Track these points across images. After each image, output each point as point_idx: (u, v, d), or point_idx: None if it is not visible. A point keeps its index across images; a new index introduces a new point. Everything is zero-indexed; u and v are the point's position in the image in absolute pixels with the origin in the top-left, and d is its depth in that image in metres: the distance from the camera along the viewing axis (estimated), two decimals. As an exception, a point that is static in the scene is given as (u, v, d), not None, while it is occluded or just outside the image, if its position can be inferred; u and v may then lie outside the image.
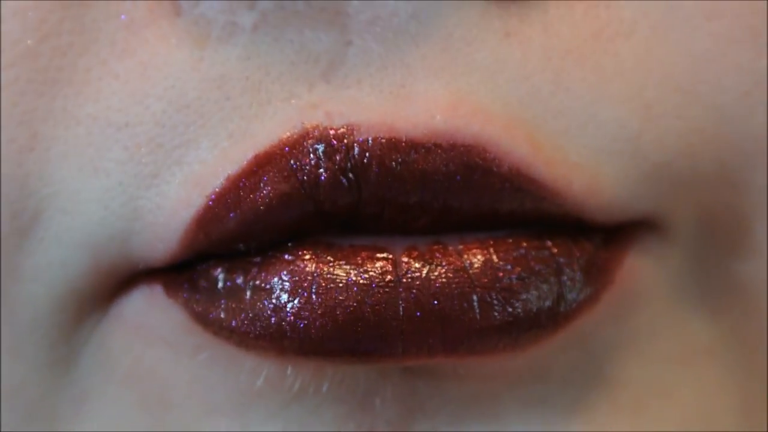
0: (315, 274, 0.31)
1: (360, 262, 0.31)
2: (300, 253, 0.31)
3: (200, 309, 0.32)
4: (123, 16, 0.31)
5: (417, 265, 0.31)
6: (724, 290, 0.34)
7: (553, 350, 0.32)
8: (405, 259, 0.31)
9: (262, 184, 0.31)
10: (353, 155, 0.31)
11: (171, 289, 0.32)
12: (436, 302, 0.31)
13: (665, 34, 0.32)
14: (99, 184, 0.31)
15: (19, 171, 0.31)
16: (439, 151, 0.31)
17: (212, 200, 0.31)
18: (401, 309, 0.31)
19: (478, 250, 0.31)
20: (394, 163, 0.31)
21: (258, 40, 0.31)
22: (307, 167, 0.31)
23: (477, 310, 0.31)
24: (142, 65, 0.31)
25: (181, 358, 0.33)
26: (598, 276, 0.32)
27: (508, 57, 0.31)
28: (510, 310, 0.31)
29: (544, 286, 0.31)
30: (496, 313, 0.31)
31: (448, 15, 0.31)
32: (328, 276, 0.31)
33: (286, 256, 0.31)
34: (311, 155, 0.31)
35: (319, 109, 0.31)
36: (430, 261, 0.31)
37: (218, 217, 0.31)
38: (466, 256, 0.31)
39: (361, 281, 0.31)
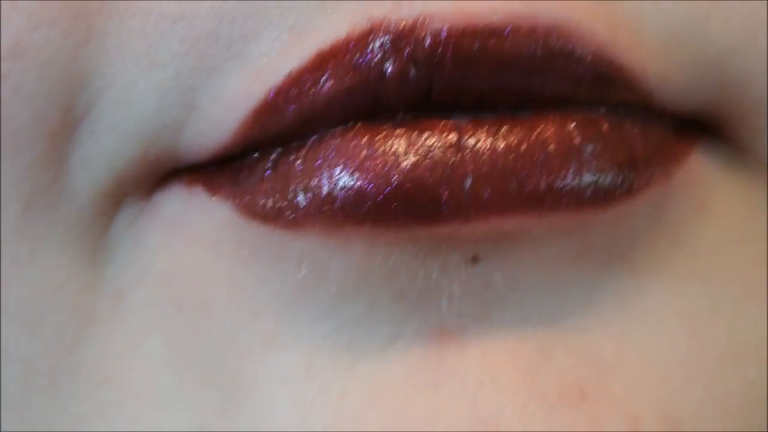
0: (370, 143, 0.30)
1: (419, 131, 0.30)
2: (352, 129, 0.30)
3: (247, 198, 0.31)
4: None
5: (484, 133, 0.30)
6: None
7: (630, 216, 0.31)
8: (471, 128, 0.30)
9: (324, 79, 0.30)
10: (425, 46, 0.29)
11: (212, 187, 0.32)
12: (505, 161, 0.30)
13: None
14: (155, 76, 0.31)
15: (74, 66, 0.31)
16: (519, 36, 0.30)
17: (273, 94, 0.30)
18: (465, 169, 0.30)
19: (552, 122, 0.30)
20: (471, 49, 0.29)
21: None
22: (374, 62, 0.30)
23: (555, 167, 0.30)
24: None
25: (220, 258, 0.32)
26: (669, 155, 0.31)
27: None
28: (588, 167, 0.30)
29: (618, 153, 0.30)
30: (572, 171, 0.30)
31: None
32: (383, 144, 0.30)
33: (337, 133, 0.30)
34: (377, 50, 0.30)
35: None
36: (499, 129, 0.30)
37: (277, 110, 0.30)
38: (540, 127, 0.30)
39: (420, 145, 0.30)
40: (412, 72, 0.30)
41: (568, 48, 0.30)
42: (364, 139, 0.30)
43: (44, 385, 0.33)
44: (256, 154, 0.31)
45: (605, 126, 0.31)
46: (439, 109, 0.30)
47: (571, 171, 0.30)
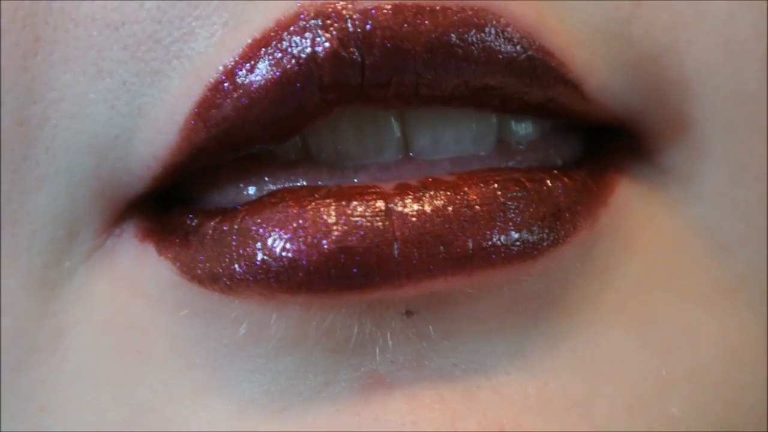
0: (301, 212, 0.30)
1: (348, 198, 0.31)
2: (285, 195, 0.31)
3: (188, 260, 0.32)
4: None
5: (410, 198, 0.31)
6: (729, 220, 0.33)
7: (560, 264, 0.32)
8: (397, 193, 0.31)
9: (257, 69, 0.30)
10: (355, 24, 0.30)
11: (161, 246, 0.32)
12: (432, 225, 0.30)
13: None
14: (103, 85, 0.31)
15: (25, 76, 0.31)
16: (449, 12, 0.30)
17: (210, 89, 0.31)
18: (394, 235, 0.30)
19: (475, 182, 0.31)
20: (401, 26, 0.30)
21: None
22: (303, 45, 0.30)
23: (481, 227, 0.30)
24: None
25: (162, 313, 0.32)
26: (592, 200, 0.32)
27: None
28: (514, 224, 0.30)
29: (542, 207, 0.31)
30: (499, 229, 0.30)
31: None
32: (314, 213, 0.30)
33: (272, 201, 0.31)
34: (307, 32, 0.30)
35: None
36: (425, 193, 0.31)
37: (215, 105, 0.31)
38: (464, 189, 0.31)
39: (349, 213, 0.30)
40: (344, 53, 0.30)
41: (497, 26, 0.30)
42: (295, 209, 0.31)
43: None
44: (196, 222, 0.32)
45: (527, 183, 0.31)
46: (372, 99, 0.31)
47: (497, 229, 0.30)
